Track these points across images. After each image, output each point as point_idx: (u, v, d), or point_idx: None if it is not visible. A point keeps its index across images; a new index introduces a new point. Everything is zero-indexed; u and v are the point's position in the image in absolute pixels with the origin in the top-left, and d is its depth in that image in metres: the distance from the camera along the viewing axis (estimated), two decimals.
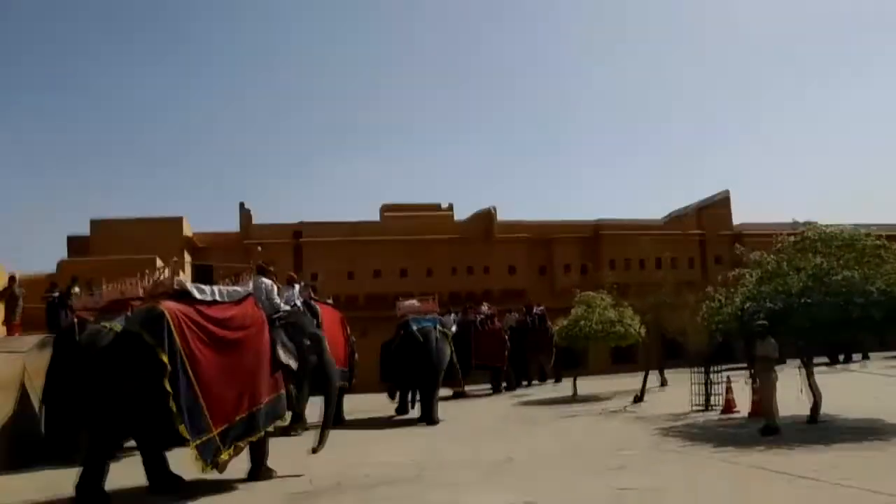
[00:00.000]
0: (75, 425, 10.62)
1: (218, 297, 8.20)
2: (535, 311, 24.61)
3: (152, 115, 71.84)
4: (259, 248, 29.17)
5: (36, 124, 63.82)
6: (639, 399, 16.36)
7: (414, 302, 17.29)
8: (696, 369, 14.57)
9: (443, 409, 16.33)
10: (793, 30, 78.34)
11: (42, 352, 11.60)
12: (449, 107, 78.63)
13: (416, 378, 15.59)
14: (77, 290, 13.48)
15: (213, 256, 28.24)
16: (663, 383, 20.37)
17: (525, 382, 23.83)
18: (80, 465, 7.70)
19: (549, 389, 22.42)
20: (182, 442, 7.41)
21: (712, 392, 13.94)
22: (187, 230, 27.76)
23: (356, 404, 16.47)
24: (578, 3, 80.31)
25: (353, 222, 30.74)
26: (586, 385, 20.07)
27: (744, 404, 12.76)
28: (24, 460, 10.58)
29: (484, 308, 22.75)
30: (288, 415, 9.41)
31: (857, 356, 25.77)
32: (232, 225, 30.43)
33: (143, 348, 7.19)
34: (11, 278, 15.25)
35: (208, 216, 77.86)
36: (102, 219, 26.20)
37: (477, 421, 14.72)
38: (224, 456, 7.60)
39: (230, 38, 77.84)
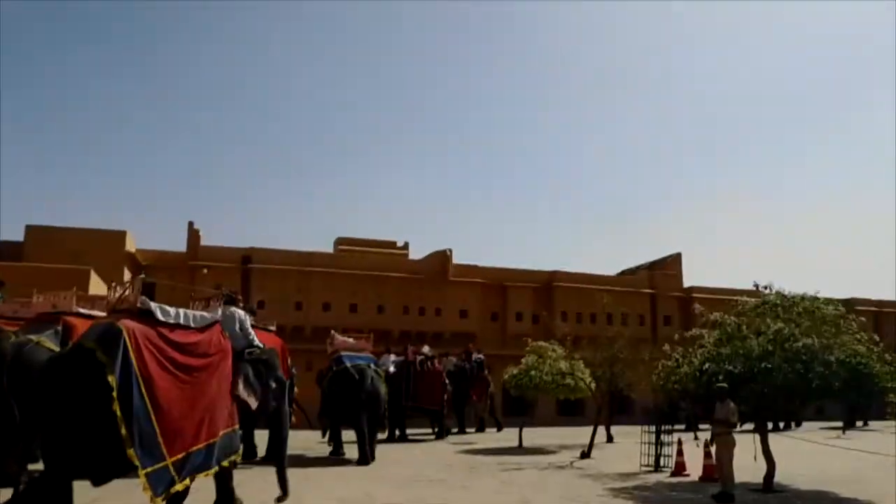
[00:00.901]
0: None
1: (182, 321, 7.69)
2: (474, 357, 24.02)
3: (105, 124, 70.08)
4: (205, 271, 28.24)
5: None
6: (586, 454, 15.96)
7: (348, 339, 16.71)
8: (646, 428, 14.26)
9: (380, 452, 15.61)
10: (755, 94, 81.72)
11: None
12: (411, 145, 79.02)
13: (348, 416, 14.88)
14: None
15: (156, 275, 27.11)
16: (610, 439, 20.07)
17: (458, 430, 23.10)
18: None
19: (492, 438, 21.84)
20: (125, 472, 6.74)
21: (662, 452, 13.62)
22: (130, 245, 26.65)
23: (293, 441, 15.59)
24: (547, 56, 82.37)
25: (306, 252, 30.06)
26: (532, 435, 19.61)
27: (694, 467, 12.46)
28: None
29: (425, 349, 22.12)
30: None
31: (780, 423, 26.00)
32: (179, 244, 29.45)
33: (96, 367, 6.58)
34: None
35: (155, 233, 75.54)
36: (38, 225, 24.91)
37: (417, 467, 14.04)
38: (179, 487, 7.02)
39: (191, 54, 77.05)
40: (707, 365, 10.35)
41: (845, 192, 79.39)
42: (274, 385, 8.85)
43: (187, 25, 78.18)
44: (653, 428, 14.13)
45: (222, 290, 9.76)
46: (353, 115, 79.54)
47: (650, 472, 13.34)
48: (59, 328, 10.88)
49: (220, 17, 78.46)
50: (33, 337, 10.45)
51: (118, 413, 6.46)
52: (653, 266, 35.85)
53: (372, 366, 15.75)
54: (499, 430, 24.53)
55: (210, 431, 7.44)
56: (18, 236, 25.02)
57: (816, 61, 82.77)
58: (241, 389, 8.23)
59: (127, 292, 8.06)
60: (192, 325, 7.78)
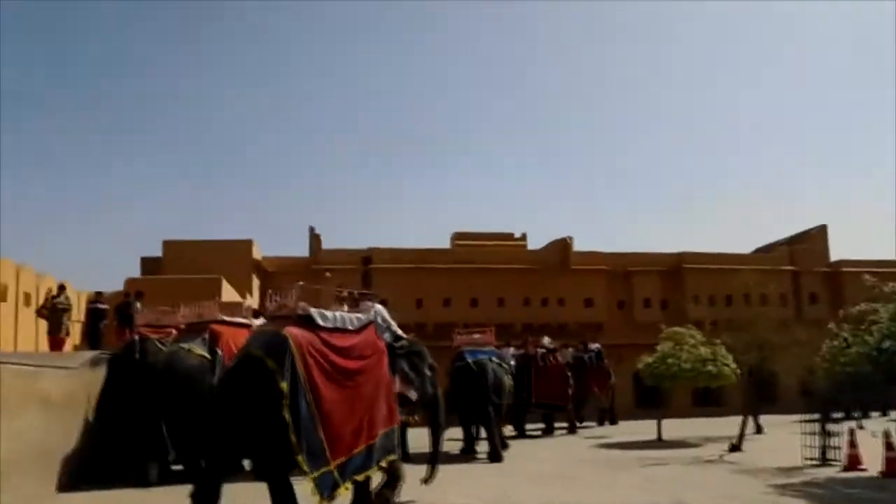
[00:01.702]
0: (144, 446, 10.65)
1: (340, 325, 7.87)
2: (591, 347, 22.88)
3: (229, 142, 73.96)
4: (328, 274, 28.90)
5: (118, 149, 66.59)
6: (736, 447, 14.64)
7: (475, 335, 16.36)
8: (805, 417, 12.80)
9: (511, 448, 15.20)
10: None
11: (96, 369, 11.14)
12: (524, 135, 77.91)
13: (473, 411, 14.63)
14: (139, 305, 12.98)
15: (281, 280, 27.95)
16: (759, 430, 18.50)
17: (573, 424, 21.98)
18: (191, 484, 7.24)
19: (624, 431, 20.72)
20: (290, 469, 6.96)
21: (829, 444, 12.11)
22: (256, 253, 27.65)
23: (418, 439, 15.40)
24: (670, 38, 78.70)
25: (424, 249, 30.03)
26: (669, 427, 18.36)
27: (872, 461, 10.95)
28: (80, 481, 10.15)
29: (545, 341, 21.22)
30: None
31: None
32: (302, 249, 30.29)
33: (265, 374, 6.82)
34: (61, 288, 14.61)
35: (279, 240, 78.94)
36: (174, 240, 26.38)
37: (550, 463, 13.35)
38: (342, 490, 7.22)
39: (305, 67, 79.82)
40: (887, 343, 8.91)
41: None
42: (429, 373, 9.05)
43: (304, 29, 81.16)
44: (813, 416, 12.68)
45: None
46: (464, 108, 79.57)
47: (816, 466, 11.89)
48: (206, 336, 11.60)
49: (332, 19, 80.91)
50: (184, 345, 11.43)
51: (288, 420, 6.61)
52: (793, 241, 33.01)
53: (494, 359, 15.38)
54: (612, 423, 23.42)
55: (369, 433, 7.58)
56: (157, 251, 26.63)
57: None
58: (402, 387, 8.44)
59: (288, 298, 8.11)
60: (349, 327, 7.90)
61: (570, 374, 20.49)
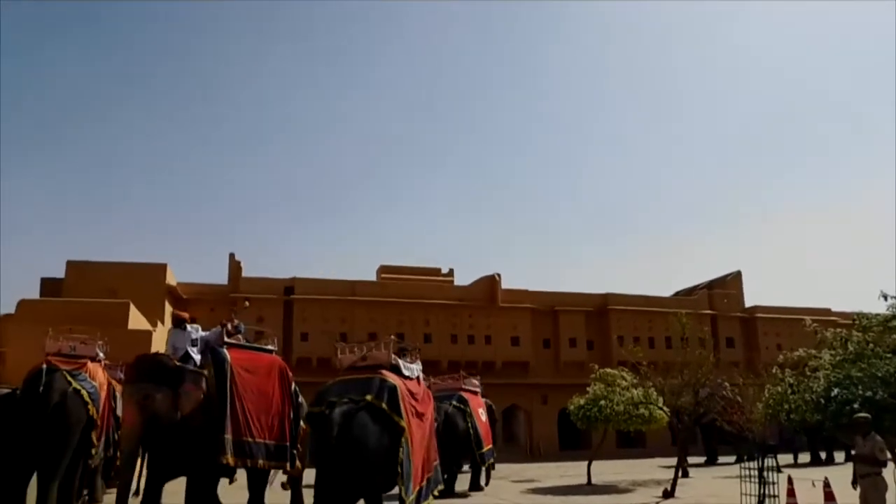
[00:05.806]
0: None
1: (411, 374, 9.10)
2: None
3: (150, 163, 70.79)
4: (246, 304, 27.51)
5: (30, 168, 62.45)
6: (669, 493, 14.35)
7: (448, 380, 16.34)
8: (747, 463, 12.64)
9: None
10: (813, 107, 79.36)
11: None
12: (453, 172, 78.28)
13: None
14: None
15: (198, 308, 26.53)
16: (685, 473, 18.37)
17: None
18: None
19: (554, 473, 20.24)
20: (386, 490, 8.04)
21: (767, 492, 11.93)
22: (171, 279, 25.99)
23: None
24: (589, 84, 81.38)
25: (349, 281, 29.15)
26: (593, 469, 17.90)
27: None
28: None
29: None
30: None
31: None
32: (221, 277, 28.81)
33: (384, 417, 7.89)
34: None
35: (197, 266, 75.56)
36: (78, 261, 24.41)
37: None
38: None
39: (232, 95, 77.82)
40: (836, 391, 8.78)
41: None
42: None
43: (235, 58, 79.20)
44: (750, 463, 12.50)
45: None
46: (395, 143, 79.34)
47: None
48: None
49: (265, 51, 79.41)
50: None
51: (402, 456, 7.77)
52: (711, 286, 34.06)
53: (454, 403, 14.94)
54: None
55: (429, 467, 8.89)
56: (60, 272, 24.60)
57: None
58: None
59: (374, 348, 9.06)
60: (413, 377, 9.14)
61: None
